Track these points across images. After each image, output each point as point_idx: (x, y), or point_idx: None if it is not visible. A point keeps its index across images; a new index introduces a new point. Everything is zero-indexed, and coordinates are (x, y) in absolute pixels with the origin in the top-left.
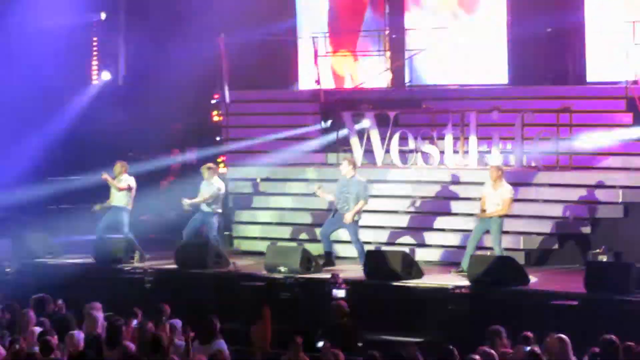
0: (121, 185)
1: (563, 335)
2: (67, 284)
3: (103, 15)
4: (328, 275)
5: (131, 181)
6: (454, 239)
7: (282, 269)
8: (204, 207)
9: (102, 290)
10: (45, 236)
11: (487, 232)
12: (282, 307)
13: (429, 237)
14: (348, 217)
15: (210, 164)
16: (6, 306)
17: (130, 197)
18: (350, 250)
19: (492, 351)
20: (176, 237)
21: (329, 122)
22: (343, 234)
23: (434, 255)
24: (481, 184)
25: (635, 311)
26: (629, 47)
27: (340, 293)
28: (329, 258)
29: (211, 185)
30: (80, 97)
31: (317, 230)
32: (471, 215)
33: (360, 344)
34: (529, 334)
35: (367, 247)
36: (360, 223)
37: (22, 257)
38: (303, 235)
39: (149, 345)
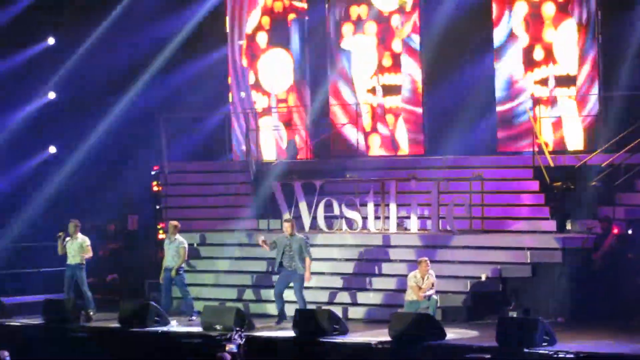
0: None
1: None
2: (17, 343)
3: (52, 95)
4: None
5: (86, 239)
6: (377, 298)
7: (218, 327)
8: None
9: (50, 349)
10: None
11: None
12: None
13: (353, 296)
14: (308, 277)
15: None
16: None
17: (83, 255)
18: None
19: None
20: (118, 297)
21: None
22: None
23: (359, 313)
24: (401, 247)
25: None
26: (535, 121)
27: (232, 347)
28: (282, 315)
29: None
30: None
31: (250, 291)
32: (392, 275)
33: None
34: None
35: (294, 306)
36: None
37: None
38: (237, 296)
39: None
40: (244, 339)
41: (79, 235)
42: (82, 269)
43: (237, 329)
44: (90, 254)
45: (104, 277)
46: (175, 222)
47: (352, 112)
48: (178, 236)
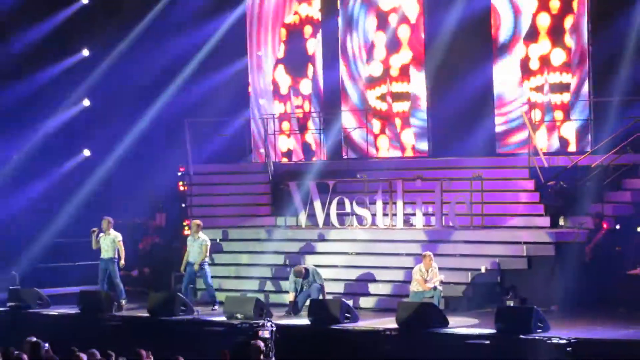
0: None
1: None
2: (55, 331)
3: (87, 102)
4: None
5: (118, 235)
6: (385, 289)
7: (239, 316)
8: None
9: (85, 336)
10: (35, 290)
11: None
12: (238, 348)
13: (364, 287)
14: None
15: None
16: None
17: (116, 249)
18: None
19: None
20: (147, 289)
21: None
22: None
23: (369, 302)
24: (407, 241)
25: (536, 347)
26: (530, 125)
27: (265, 333)
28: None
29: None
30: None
31: (269, 283)
32: (399, 268)
33: None
34: None
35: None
36: None
37: (16, 307)
38: (256, 287)
39: None
40: (274, 327)
41: (112, 231)
42: (115, 262)
43: (268, 318)
44: (122, 250)
45: (142, 269)
46: (198, 221)
47: (362, 116)
48: (201, 234)
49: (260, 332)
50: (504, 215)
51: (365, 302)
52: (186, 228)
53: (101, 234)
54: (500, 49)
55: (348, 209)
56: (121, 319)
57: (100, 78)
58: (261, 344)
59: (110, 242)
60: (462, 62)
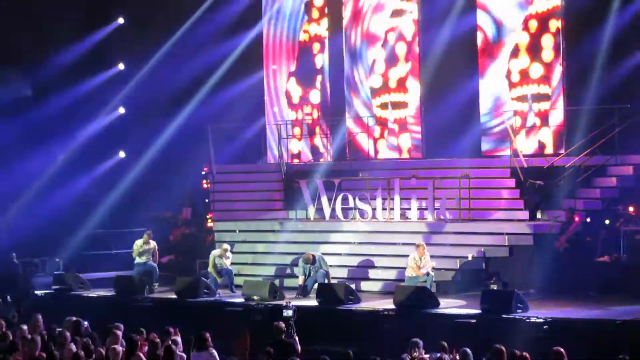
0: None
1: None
2: (93, 311)
3: (122, 110)
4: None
5: (155, 245)
6: (384, 274)
7: (255, 297)
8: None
9: (120, 315)
10: (77, 274)
11: None
12: (255, 326)
13: (365, 273)
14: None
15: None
16: (47, 328)
17: (152, 255)
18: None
19: (411, 358)
20: (175, 274)
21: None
22: None
23: (370, 286)
24: (403, 232)
25: (516, 326)
26: (512, 129)
27: (289, 312)
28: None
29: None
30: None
31: (282, 269)
32: (396, 255)
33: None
34: (444, 343)
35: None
36: None
37: (61, 290)
38: (270, 272)
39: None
40: (296, 308)
41: (151, 242)
42: (151, 264)
43: (287, 301)
44: (157, 255)
45: (172, 256)
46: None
47: (364, 122)
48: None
49: (284, 312)
50: (489, 209)
51: (366, 285)
52: (209, 220)
53: (142, 244)
54: (485, 63)
55: (351, 204)
56: (152, 301)
57: (135, 88)
58: (282, 325)
59: (150, 251)
60: (452, 74)
